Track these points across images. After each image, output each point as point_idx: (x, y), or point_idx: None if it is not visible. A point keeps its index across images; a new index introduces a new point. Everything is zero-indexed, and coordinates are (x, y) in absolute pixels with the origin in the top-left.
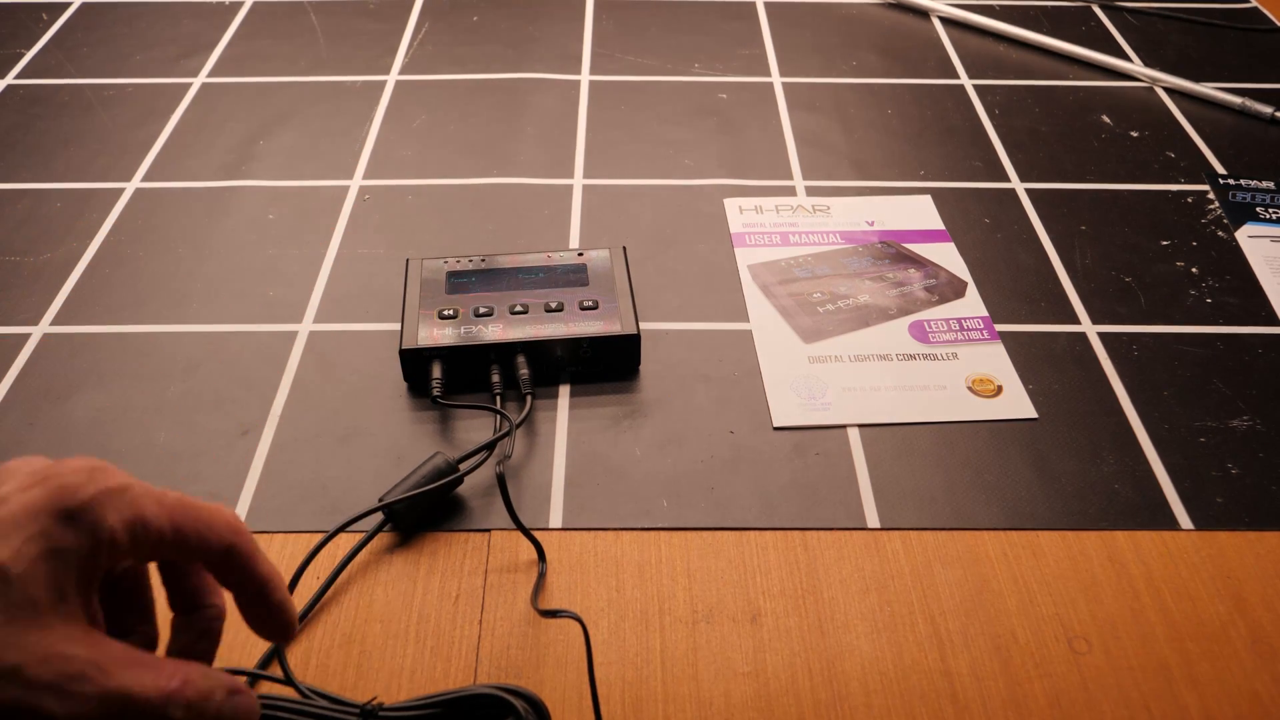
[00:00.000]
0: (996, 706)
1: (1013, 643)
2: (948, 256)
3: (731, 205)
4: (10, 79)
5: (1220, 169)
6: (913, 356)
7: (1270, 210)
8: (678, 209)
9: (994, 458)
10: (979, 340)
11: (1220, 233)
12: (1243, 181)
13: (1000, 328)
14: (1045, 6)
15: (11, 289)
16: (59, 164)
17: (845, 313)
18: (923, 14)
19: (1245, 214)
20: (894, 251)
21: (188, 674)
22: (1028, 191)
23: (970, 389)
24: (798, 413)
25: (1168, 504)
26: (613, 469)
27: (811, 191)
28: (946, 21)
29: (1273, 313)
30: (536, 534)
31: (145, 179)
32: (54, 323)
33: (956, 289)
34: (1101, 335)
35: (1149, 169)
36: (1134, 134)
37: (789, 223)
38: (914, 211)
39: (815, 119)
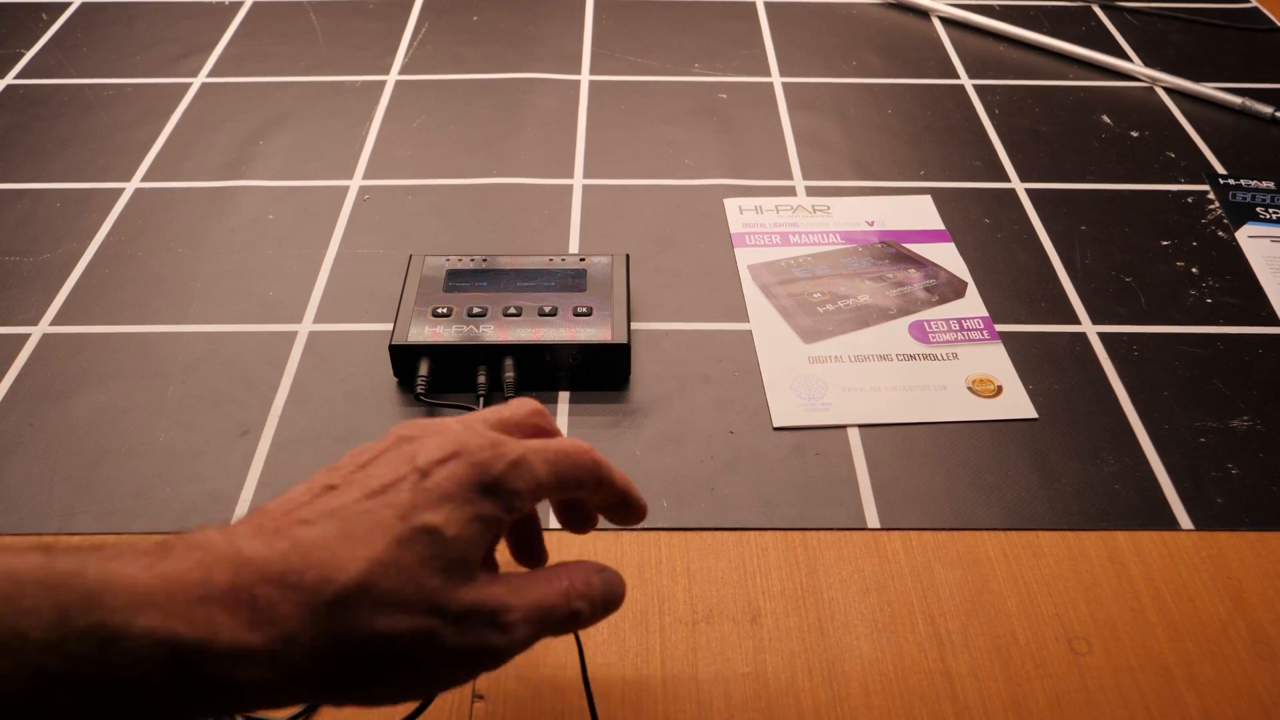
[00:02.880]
0: (996, 707)
1: (1013, 643)
2: (947, 256)
3: (731, 205)
4: (10, 79)
5: (1220, 169)
6: (913, 357)
7: (1270, 210)
8: (678, 209)
9: (994, 458)
10: (979, 340)
11: (1220, 233)
12: (1243, 181)
13: (1000, 328)
14: (1045, 6)
15: (11, 289)
16: (59, 164)
17: (845, 313)
18: (923, 14)
19: (1245, 214)
20: (894, 251)
21: (568, 572)
22: (1028, 191)
23: (971, 389)
24: (798, 413)
25: (1168, 504)
26: None
27: (811, 191)
28: (946, 21)
29: (1273, 313)
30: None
31: (145, 179)
32: (54, 323)
33: (956, 289)
34: (1101, 335)
35: (1149, 169)
36: (1134, 134)
37: (789, 223)
38: (914, 211)
39: (815, 119)
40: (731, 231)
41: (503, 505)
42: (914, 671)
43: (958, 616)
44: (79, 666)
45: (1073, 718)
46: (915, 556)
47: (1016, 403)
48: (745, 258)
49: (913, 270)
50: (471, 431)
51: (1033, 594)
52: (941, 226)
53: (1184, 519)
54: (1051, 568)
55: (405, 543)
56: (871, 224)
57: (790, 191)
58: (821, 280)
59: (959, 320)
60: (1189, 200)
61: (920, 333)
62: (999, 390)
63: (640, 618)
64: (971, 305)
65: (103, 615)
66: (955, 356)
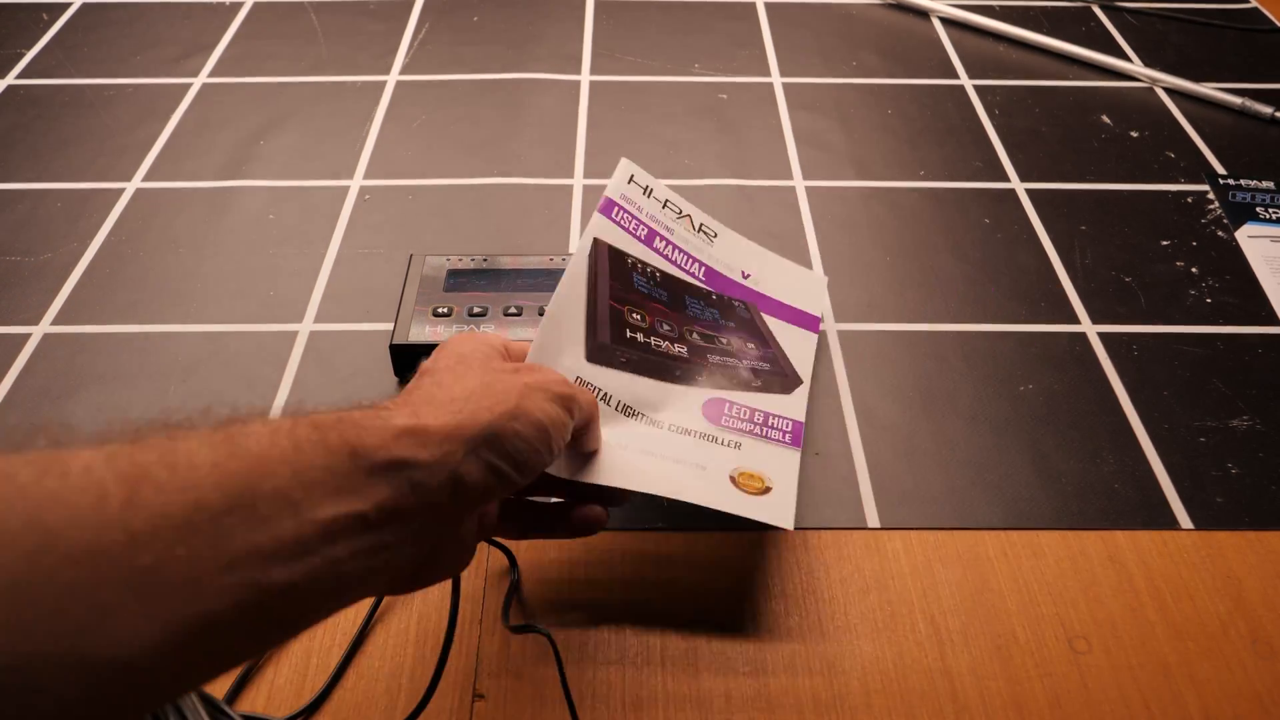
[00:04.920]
0: (996, 706)
1: (1013, 642)
2: (801, 349)
3: (624, 169)
4: (10, 79)
5: (1220, 169)
6: (687, 431)
7: (1270, 210)
8: None
9: (995, 458)
10: (775, 442)
11: (1220, 233)
12: (1243, 181)
13: (1000, 328)
14: (1045, 6)
15: (11, 289)
16: (59, 164)
17: (652, 355)
18: (923, 14)
19: (1245, 214)
20: (747, 318)
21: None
22: (1028, 191)
23: (733, 478)
24: None
25: (1168, 504)
26: None
27: (811, 191)
28: (946, 22)
29: (1273, 313)
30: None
31: (145, 179)
32: (54, 323)
33: (785, 386)
34: (1101, 335)
35: (1149, 169)
36: (1134, 134)
37: (665, 226)
38: (803, 287)
39: (815, 119)
40: (606, 193)
41: (511, 463)
42: (914, 671)
43: (958, 616)
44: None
45: (1073, 717)
46: (915, 556)
47: (778, 508)
48: (600, 227)
49: (752, 346)
50: (500, 400)
51: (1033, 593)
52: (819, 314)
53: (1184, 519)
54: (1051, 567)
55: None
56: (746, 277)
57: (790, 192)
58: (652, 306)
59: (765, 415)
60: (1189, 200)
61: (714, 412)
62: (765, 490)
63: (641, 619)
64: (791, 407)
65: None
66: (737, 446)
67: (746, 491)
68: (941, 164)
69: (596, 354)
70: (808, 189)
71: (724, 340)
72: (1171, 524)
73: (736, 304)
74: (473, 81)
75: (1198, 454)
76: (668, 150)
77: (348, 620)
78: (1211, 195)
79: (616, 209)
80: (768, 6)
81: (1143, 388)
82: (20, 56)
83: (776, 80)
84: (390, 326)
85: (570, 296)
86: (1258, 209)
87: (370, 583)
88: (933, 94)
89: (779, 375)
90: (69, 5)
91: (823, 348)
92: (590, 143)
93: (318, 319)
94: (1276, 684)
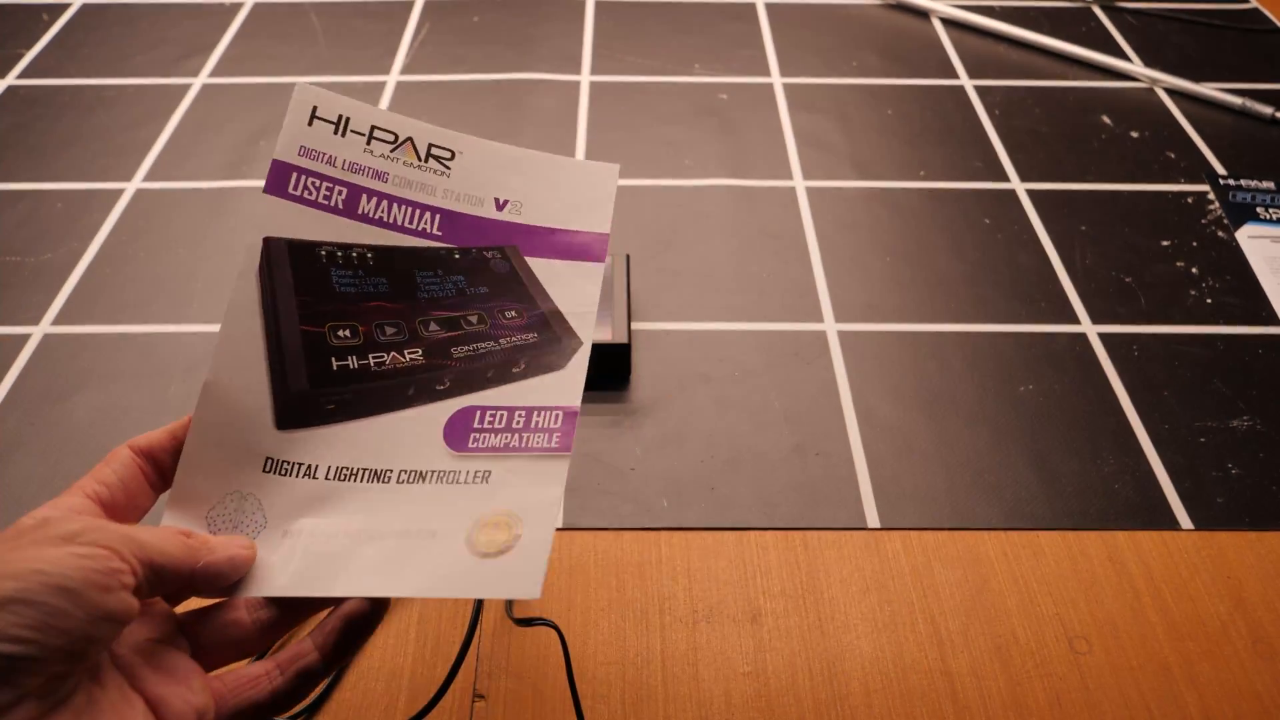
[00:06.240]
0: (996, 706)
1: (1013, 643)
2: (582, 292)
3: (303, 99)
4: (10, 79)
5: (1220, 169)
6: (421, 476)
7: (1270, 210)
8: (678, 209)
9: (994, 458)
10: (537, 452)
11: (1220, 233)
12: (1243, 181)
13: (1000, 328)
14: (1045, 7)
15: (11, 289)
16: (59, 164)
17: (371, 382)
18: (923, 14)
19: (1245, 214)
20: (506, 270)
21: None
22: (1028, 192)
23: (469, 540)
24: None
25: (1168, 504)
26: (613, 469)
27: (811, 191)
28: (946, 22)
29: (1273, 313)
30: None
31: (146, 179)
32: (54, 323)
33: (559, 357)
34: (1101, 335)
35: (1149, 169)
36: (1134, 134)
37: (375, 172)
38: (583, 196)
39: (815, 119)
40: (275, 154)
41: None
42: (914, 671)
43: (958, 616)
44: None
45: (1073, 717)
46: (915, 556)
47: (519, 570)
48: (270, 216)
49: (513, 314)
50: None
51: (1033, 594)
52: (604, 229)
53: (1184, 519)
54: (1051, 567)
55: None
56: (503, 206)
57: (789, 192)
58: (366, 308)
59: (528, 413)
60: (1189, 200)
61: (461, 431)
62: (508, 545)
63: (640, 617)
64: (563, 389)
65: None
66: (484, 479)
67: (484, 554)
68: (941, 164)
69: (290, 414)
70: (808, 189)
71: (472, 320)
72: (1172, 524)
73: (490, 255)
74: (473, 82)
75: (1198, 454)
76: (668, 150)
77: None
78: (1211, 195)
79: (295, 177)
80: (768, 6)
81: (1143, 388)
82: (20, 56)
83: (776, 80)
84: None
85: (236, 343)
86: (1258, 209)
87: None
88: (933, 94)
89: (550, 345)
90: (69, 5)
91: (823, 347)
92: (590, 143)
93: None
94: (1276, 684)
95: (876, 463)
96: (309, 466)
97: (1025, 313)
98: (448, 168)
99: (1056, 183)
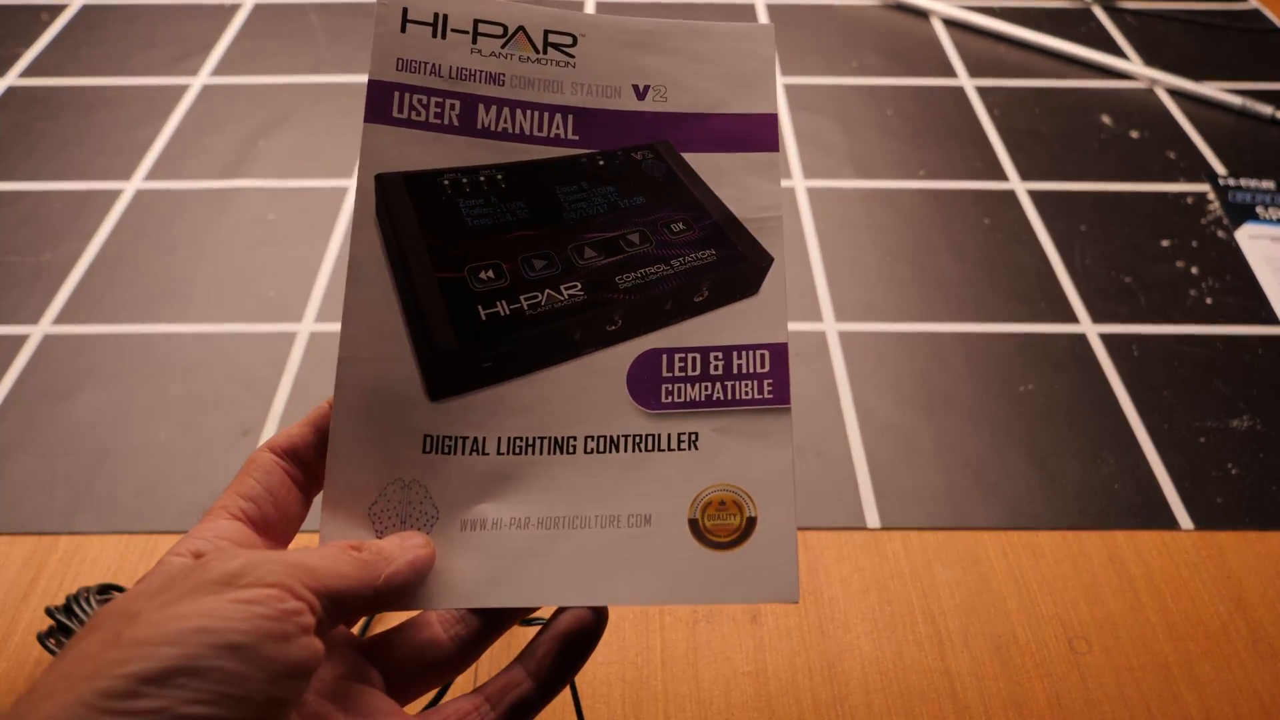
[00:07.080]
0: (996, 706)
1: (1013, 643)
2: (760, 190)
3: (393, 3)
4: (10, 79)
5: (1220, 169)
6: (614, 444)
7: (1270, 210)
8: None
9: (995, 458)
10: (748, 404)
11: (1220, 233)
12: (1243, 181)
13: (1000, 328)
14: (1045, 7)
15: (11, 289)
16: (59, 164)
17: (532, 328)
18: (923, 14)
19: (1245, 214)
20: (664, 173)
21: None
22: (1028, 192)
23: (694, 523)
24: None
25: (1168, 504)
26: None
27: (811, 191)
28: (947, 22)
29: (1273, 313)
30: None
31: (146, 179)
32: (54, 323)
33: (750, 279)
34: (1101, 335)
35: (1149, 169)
36: (1134, 134)
37: (490, 75)
38: (739, 63)
39: (815, 119)
40: (371, 74)
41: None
42: (914, 671)
43: (958, 616)
44: None
45: (1073, 717)
46: (915, 556)
47: (770, 561)
48: (375, 150)
49: (680, 225)
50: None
51: (1033, 594)
52: (773, 109)
53: (1184, 519)
54: (1051, 567)
55: None
56: (644, 93)
57: (789, 192)
58: (507, 241)
59: (726, 354)
60: (1189, 200)
61: (649, 383)
62: (745, 527)
63: (640, 617)
64: (764, 317)
65: None
66: (693, 443)
67: (717, 544)
68: (941, 164)
69: (443, 380)
70: (808, 189)
71: (633, 240)
72: (1171, 524)
73: (639, 157)
74: None
75: (1198, 454)
76: None
77: None
78: (1211, 195)
79: (398, 96)
80: (768, 7)
81: (1143, 388)
82: (20, 56)
83: (777, 80)
84: None
85: (365, 308)
86: (1258, 209)
87: None
88: (933, 94)
89: (734, 263)
90: (69, 5)
91: (822, 347)
92: None
93: (318, 319)
94: (1276, 684)
95: (876, 463)
96: (476, 440)
97: (1025, 313)
98: (571, 56)
99: (1056, 183)
